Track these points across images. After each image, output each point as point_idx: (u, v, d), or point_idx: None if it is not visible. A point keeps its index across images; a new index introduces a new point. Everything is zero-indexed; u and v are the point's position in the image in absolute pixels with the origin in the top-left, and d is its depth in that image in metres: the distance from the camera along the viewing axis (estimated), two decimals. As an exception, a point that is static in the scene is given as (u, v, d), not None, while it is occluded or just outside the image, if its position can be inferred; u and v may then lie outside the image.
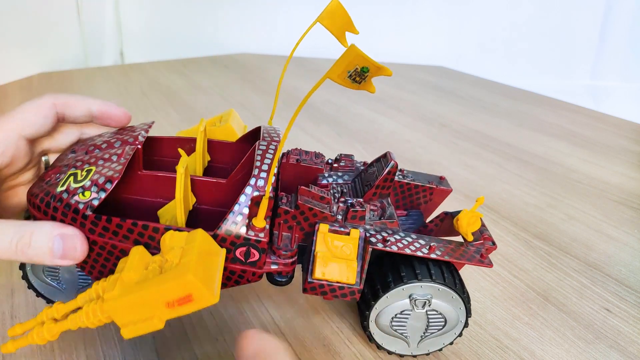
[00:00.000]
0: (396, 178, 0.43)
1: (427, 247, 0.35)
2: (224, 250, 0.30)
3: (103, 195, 0.30)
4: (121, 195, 0.37)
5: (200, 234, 0.29)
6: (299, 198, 0.34)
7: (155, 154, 0.41)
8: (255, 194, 0.32)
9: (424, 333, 0.37)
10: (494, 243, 0.37)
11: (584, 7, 1.33)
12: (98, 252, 0.32)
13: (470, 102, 1.04)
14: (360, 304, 0.38)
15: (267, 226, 0.32)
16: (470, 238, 0.37)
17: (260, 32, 1.32)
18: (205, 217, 0.37)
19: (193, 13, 1.26)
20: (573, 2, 1.33)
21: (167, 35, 1.24)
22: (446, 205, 0.45)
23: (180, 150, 0.38)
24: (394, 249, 0.34)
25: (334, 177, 0.41)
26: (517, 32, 1.36)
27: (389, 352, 0.39)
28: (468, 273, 0.49)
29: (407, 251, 0.34)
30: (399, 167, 0.43)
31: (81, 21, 1.10)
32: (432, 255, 0.34)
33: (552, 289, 0.49)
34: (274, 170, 0.31)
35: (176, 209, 0.33)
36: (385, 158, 0.38)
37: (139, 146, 0.35)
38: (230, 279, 0.33)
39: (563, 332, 0.44)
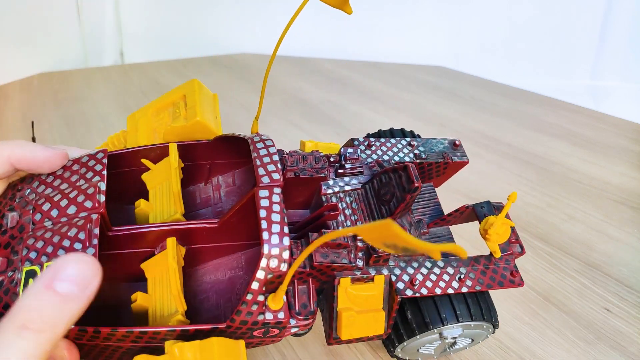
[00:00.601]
0: (407, 159, 0.38)
1: (458, 279, 0.32)
2: (242, 343, 0.27)
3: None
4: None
5: (215, 345, 0.26)
6: (314, 256, 0.30)
7: (116, 167, 0.35)
8: (270, 276, 0.27)
9: (449, 348, 0.37)
10: (522, 248, 0.35)
11: (584, 7, 1.33)
12: (89, 349, 0.28)
13: (470, 102, 1.04)
14: (385, 340, 0.36)
15: (285, 299, 0.29)
16: (498, 255, 0.34)
17: (260, 32, 1.32)
18: (198, 254, 0.34)
19: (193, 13, 1.25)
20: (573, 2, 1.33)
21: (167, 35, 1.24)
22: (446, 206, 0.45)
23: (145, 161, 0.34)
24: (424, 292, 0.32)
25: (341, 184, 0.36)
26: (517, 32, 1.36)
27: None
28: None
29: (437, 291, 0.32)
30: (409, 138, 0.39)
31: (81, 21, 1.10)
32: (463, 289, 0.32)
33: (552, 289, 0.49)
34: (303, 257, 0.24)
35: (175, 302, 0.29)
36: (405, 174, 0.32)
37: (102, 210, 0.29)
38: (247, 347, 0.30)
39: (564, 332, 0.44)
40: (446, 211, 0.40)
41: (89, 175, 0.30)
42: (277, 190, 0.29)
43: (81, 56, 1.13)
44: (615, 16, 1.33)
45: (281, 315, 0.28)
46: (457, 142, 0.40)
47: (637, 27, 1.32)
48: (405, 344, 0.35)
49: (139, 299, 0.29)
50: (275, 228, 0.28)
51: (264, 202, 0.29)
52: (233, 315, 0.28)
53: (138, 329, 0.26)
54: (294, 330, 0.30)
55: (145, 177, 0.36)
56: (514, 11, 1.35)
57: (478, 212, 0.36)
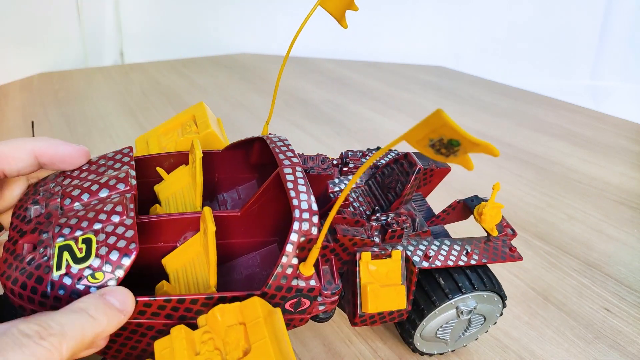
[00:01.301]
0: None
1: (465, 254, 0.35)
2: (279, 311, 0.27)
3: (121, 274, 0.25)
4: None
5: (258, 303, 0.25)
6: (337, 230, 0.32)
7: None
8: (302, 239, 0.28)
9: (463, 333, 0.38)
10: (513, 231, 0.38)
11: (584, 7, 1.33)
12: (116, 334, 0.26)
13: (470, 102, 1.04)
14: (404, 323, 0.37)
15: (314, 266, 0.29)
16: (495, 233, 0.37)
17: (260, 32, 1.32)
18: (220, 252, 0.33)
19: (193, 13, 1.25)
20: (573, 2, 1.33)
21: (167, 35, 1.24)
22: (444, 204, 0.45)
23: (160, 170, 0.35)
24: (438, 263, 0.34)
25: (346, 182, 0.39)
26: (517, 32, 1.36)
27: (430, 355, 0.40)
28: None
29: (450, 263, 0.34)
30: (396, 152, 0.42)
31: (81, 21, 1.10)
32: (472, 262, 0.35)
33: (552, 288, 0.49)
34: (331, 218, 0.26)
35: (209, 272, 0.28)
36: (407, 161, 0.36)
37: (134, 192, 0.29)
38: None
39: (563, 331, 0.44)
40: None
41: (117, 165, 0.31)
42: (299, 168, 0.31)
43: (81, 56, 1.14)
44: (615, 16, 1.33)
45: (313, 282, 0.29)
46: None
47: (637, 27, 1.32)
48: (424, 323, 0.36)
49: (165, 287, 0.29)
50: (304, 196, 0.29)
51: (290, 177, 0.30)
52: (269, 280, 0.27)
53: (176, 297, 0.25)
54: (321, 307, 0.31)
55: (157, 188, 0.36)
56: (514, 11, 1.35)
57: (469, 204, 0.39)
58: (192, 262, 0.31)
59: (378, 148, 0.48)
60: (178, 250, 0.31)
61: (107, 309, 0.23)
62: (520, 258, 0.36)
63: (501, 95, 1.10)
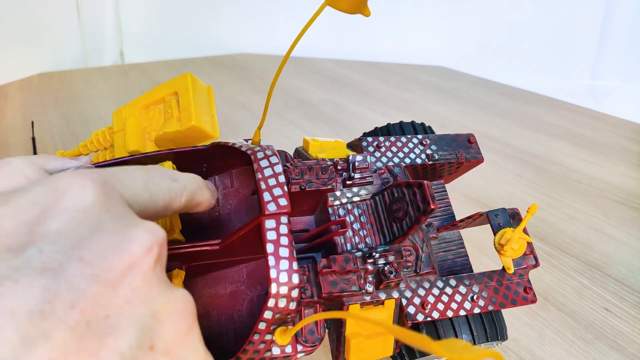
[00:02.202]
0: (419, 160, 0.36)
1: (470, 299, 0.31)
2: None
3: None
4: None
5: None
6: (322, 286, 0.28)
7: None
8: (278, 316, 0.26)
9: None
10: (536, 260, 0.33)
11: (584, 7, 1.33)
12: None
13: (470, 102, 1.04)
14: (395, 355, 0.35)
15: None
16: (511, 271, 0.32)
17: (260, 32, 1.32)
18: (198, 269, 0.32)
19: (193, 13, 1.25)
20: (573, 2, 1.33)
21: (167, 35, 1.24)
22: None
23: None
24: (435, 315, 0.31)
25: (349, 195, 0.33)
26: (517, 32, 1.36)
27: None
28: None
29: (449, 314, 0.31)
30: (421, 137, 0.37)
31: (81, 21, 1.10)
32: (475, 310, 0.31)
33: (552, 289, 0.49)
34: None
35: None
36: (420, 192, 0.29)
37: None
38: None
39: (563, 332, 0.44)
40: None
41: None
42: (284, 219, 0.27)
43: (81, 56, 1.13)
44: (615, 16, 1.33)
45: (289, 349, 0.28)
46: (471, 139, 0.38)
47: (637, 27, 1.32)
48: None
49: None
50: (284, 265, 0.26)
51: (271, 235, 0.26)
52: (239, 354, 0.27)
53: None
54: (300, 355, 0.29)
55: None
56: (514, 11, 1.35)
57: (492, 220, 0.33)
58: None
59: (388, 125, 0.41)
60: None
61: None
62: (534, 300, 0.32)
63: (501, 95, 1.10)
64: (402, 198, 0.31)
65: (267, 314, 0.26)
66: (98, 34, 1.15)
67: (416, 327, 0.32)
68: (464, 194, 0.65)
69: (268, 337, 0.26)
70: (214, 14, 1.27)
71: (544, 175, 0.73)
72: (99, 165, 0.31)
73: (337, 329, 0.31)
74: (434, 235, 0.35)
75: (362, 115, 0.93)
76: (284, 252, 0.26)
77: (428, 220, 0.36)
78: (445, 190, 0.38)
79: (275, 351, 0.27)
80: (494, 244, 0.32)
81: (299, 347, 0.29)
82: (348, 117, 0.91)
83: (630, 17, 1.32)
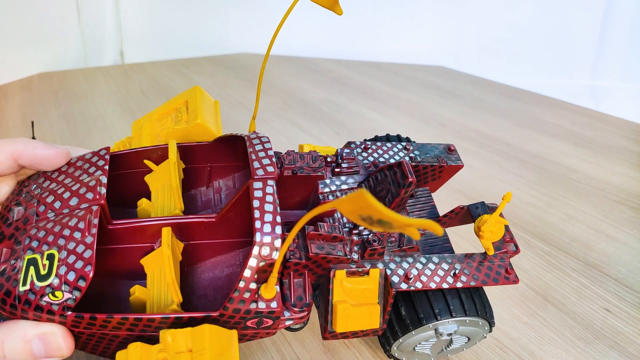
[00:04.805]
0: (399, 157, 0.39)
1: (452, 275, 0.33)
2: (234, 333, 0.27)
3: (78, 294, 0.26)
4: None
5: (208, 333, 0.26)
6: (309, 247, 0.30)
7: (119, 168, 0.36)
8: (262, 264, 0.28)
9: (446, 348, 0.37)
10: (516, 247, 0.35)
11: (584, 7, 1.33)
12: (87, 338, 0.28)
13: (470, 102, 1.04)
14: (381, 338, 0.36)
15: (278, 288, 0.29)
16: (492, 252, 0.34)
17: (260, 32, 1.32)
18: (197, 251, 0.34)
19: (193, 13, 1.25)
20: (573, 2, 1.33)
21: (167, 35, 1.24)
22: (446, 206, 0.45)
23: (148, 162, 0.35)
24: (419, 285, 0.32)
25: (337, 183, 0.36)
26: (517, 32, 1.36)
27: None
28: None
29: (432, 285, 0.32)
30: (405, 142, 0.40)
31: (81, 21, 1.10)
32: (458, 284, 0.32)
33: (551, 288, 0.49)
34: (292, 237, 0.24)
35: (169, 291, 0.29)
36: (400, 170, 0.33)
37: (103, 202, 0.29)
38: (242, 339, 0.31)
39: (562, 332, 0.44)
40: (444, 212, 0.40)
41: (92, 170, 0.31)
42: (271, 182, 0.30)
43: (81, 56, 1.13)
44: (615, 16, 1.33)
45: (274, 304, 0.28)
46: (451, 147, 0.41)
47: (637, 27, 1.32)
48: (400, 341, 0.35)
49: (137, 292, 0.30)
50: (268, 217, 0.28)
51: (258, 193, 0.29)
52: (226, 303, 0.28)
53: (133, 316, 0.27)
54: (288, 322, 0.30)
55: (147, 178, 0.36)
56: (514, 11, 1.35)
57: (473, 212, 0.36)
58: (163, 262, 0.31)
59: (376, 137, 0.46)
60: (154, 253, 0.32)
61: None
62: (515, 281, 0.34)
63: (501, 95, 1.10)
64: (385, 179, 0.34)
65: (252, 262, 0.27)
66: (98, 34, 1.15)
67: (396, 304, 0.34)
68: (464, 194, 0.65)
69: (253, 285, 0.28)
70: (214, 14, 1.27)
71: (544, 175, 0.73)
72: (114, 154, 0.34)
73: (324, 298, 0.32)
74: (421, 232, 0.36)
75: (362, 115, 0.93)
76: (269, 207, 0.29)
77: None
78: (431, 195, 0.41)
79: (261, 305, 0.28)
80: (474, 229, 0.34)
81: (287, 314, 0.30)
82: (348, 117, 0.91)
83: (630, 17, 1.32)
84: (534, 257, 0.54)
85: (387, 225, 0.19)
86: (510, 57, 1.38)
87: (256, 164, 0.31)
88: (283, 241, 0.28)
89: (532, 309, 0.46)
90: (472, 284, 0.33)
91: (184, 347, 0.25)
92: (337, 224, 0.32)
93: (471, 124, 0.91)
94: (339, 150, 0.37)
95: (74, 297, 0.26)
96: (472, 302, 0.33)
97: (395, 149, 0.40)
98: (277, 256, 0.27)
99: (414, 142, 0.43)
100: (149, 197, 0.36)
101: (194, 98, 0.39)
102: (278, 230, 0.28)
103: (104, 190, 0.30)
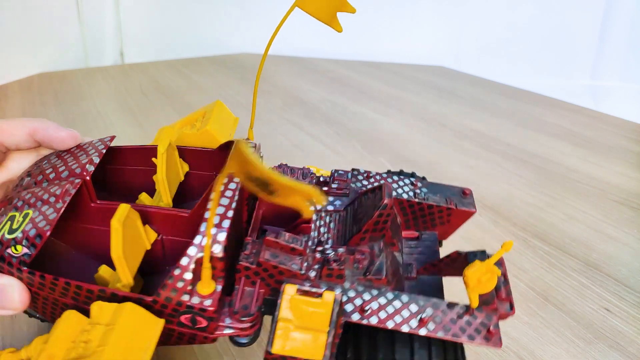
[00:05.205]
0: (405, 196, 0.36)
1: (418, 319, 0.28)
2: (161, 322, 0.26)
3: (33, 251, 0.28)
4: (76, 223, 0.34)
5: (127, 311, 0.26)
6: (262, 253, 0.28)
7: (118, 162, 0.38)
8: (200, 255, 0.27)
9: None
10: (512, 307, 0.29)
11: (584, 7, 1.33)
12: (43, 301, 0.30)
13: (470, 102, 1.04)
14: None
15: (219, 288, 0.27)
16: (475, 304, 0.28)
17: (260, 32, 1.32)
18: (171, 248, 0.34)
19: (193, 13, 1.25)
20: (573, 2, 1.33)
21: (167, 35, 1.24)
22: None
23: (155, 160, 0.35)
24: (373, 321, 0.28)
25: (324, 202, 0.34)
26: (517, 32, 1.36)
27: None
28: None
29: (390, 324, 0.28)
30: (414, 179, 0.37)
31: (81, 21, 1.10)
32: (421, 331, 0.27)
33: (551, 288, 0.49)
34: (210, 224, 0.24)
35: (117, 269, 0.29)
36: (380, 192, 0.30)
37: (87, 178, 0.32)
38: (182, 339, 0.30)
39: (562, 331, 0.44)
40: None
41: (91, 151, 0.34)
42: (236, 180, 0.30)
43: (81, 56, 1.13)
44: (615, 16, 1.33)
45: (208, 302, 0.27)
46: (466, 191, 0.37)
47: (637, 27, 1.32)
48: None
49: (101, 271, 0.31)
50: (220, 210, 0.28)
51: (220, 187, 0.29)
52: (159, 289, 0.27)
53: (75, 283, 0.28)
54: (228, 331, 0.28)
55: (155, 177, 0.37)
56: (514, 11, 1.35)
57: (470, 260, 0.31)
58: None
59: (388, 172, 0.41)
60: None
61: None
62: (497, 345, 0.28)
63: (501, 95, 1.10)
64: (366, 202, 0.31)
65: (191, 250, 0.27)
66: (98, 34, 1.15)
67: (374, 331, 0.30)
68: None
69: (188, 276, 0.27)
70: (214, 14, 1.27)
71: (544, 175, 0.73)
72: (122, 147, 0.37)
73: (273, 314, 0.29)
74: (412, 275, 0.33)
75: (362, 115, 0.93)
76: (225, 201, 0.29)
77: (409, 261, 0.35)
78: (437, 241, 0.37)
79: (195, 300, 0.27)
80: (462, 276, 0.28)
81: (228, 320, 0.28)
82: (348, 117, 0.91)
83: (630, 17, 1.32)
84: (534, 257, 0.54)
85: (268, 189, 0.18)
86: (510, 57, 1.38)
87: (232, 162, 0.31)
88: (228, 237, 0.27)
89: (532, 309, 0.46)
90: (440, 334, 0.28)
91: (105, 320, 0.26)
92: (305, 238, 0.30)
93: (471, 124, 0.91)
94: (332, 171, 0.36)
95: (30, 253, 0.28)
96: (443, 353, 0.29)
97: (401, 182, 0.37)
98: (218, 250, 0.27)
99: (424, 180, 0.40)
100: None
101: (211, 110, 0.41)
102: (225, 224, 0.27)
103: (92, 168, 0.33)
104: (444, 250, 0.44)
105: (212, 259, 0.27)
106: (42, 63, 1.07)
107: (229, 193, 0.29)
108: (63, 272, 0.29)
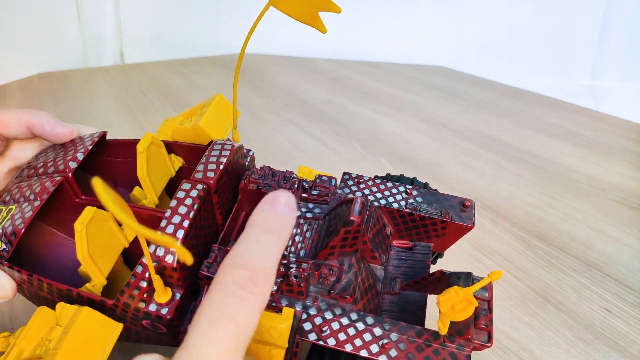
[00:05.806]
0: (395, 205, 0.34)
1: (380, 344, 0.26)
2: (119, 326, 0.26)
3: (10, 247, 0.29)
4: (65, 216, 0.35)
5: (82, 316, 0.26)
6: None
7: (117, 155, 0.39)
8: (154, 264, 0.26)
9: None
10: (489, 338, 0.26)
11: (584, 7, 1.33)
12: (29, 293, 0.31)
13: (470, 102, 1.04)
14: None
15: (178, 295, 0.27)
16: (443, 331, 0.25)
17: (260, 32, 1.32)
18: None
19: (193, 13, 1.25)
20: (573, 2, 1.33)
21: (167, 35, 1.24)
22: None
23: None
24: (330, 342, 0.26)
25: (303, 209, 0.33)
26: (517, 32, 1.36)
27: None
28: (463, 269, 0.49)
29: (348, 348, 0.26)
30: (410, 187, 0.35)
31: (81, 21, 1.10)
32: (381, 358, 0.26)
33: (551, 288, 0.49)
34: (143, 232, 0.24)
35: (86, 269, 0.29)
36: (350, 205, 0.29)
37: (69, 175, 0.32)
38: (150, 341, 0.30)
39: (562, 332, 0.44)
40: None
41: (80, 147, 0.35)
42: (200, 187, 0.29)
43: (81, 56, 1.14)
44: (615, 16, 1.33)
45: (164, 310, 0.27)
46: (466, 203, 0.34)
47: (637, 27, 1.32)
48: None
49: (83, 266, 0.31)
50: (176, 219, 0.28)
51: (180, 194, 0.29)
52: (118, 294, 0.27)
53: (46, 281, 0.28)
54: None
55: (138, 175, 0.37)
56: (514, 11, 1.35)
57: (452, 282, 0.29)
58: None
59: (387, 176, 0.40)
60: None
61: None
62: None
63: (501, 95, 1.09)
64: (341, 214, 0.30)
65: (145, 259, 0.26)
66: (98, 34, 1.15)
67: (337, 354, 0.28)
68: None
69: (143, 284, 0.27)
70: (214, 14, 1.27)
71: (543, 175, 0.73)
72: (118, 140, 0.38)
73: None
74: (394, 290, 0.32)
75: (362, 115, 0.93)
76: (182, 210, 0.28)
77: (395, 275, 0.33)
78: (429, 255, 0.35)
79: (152, 307, 0.27)
80: (437, 301, 0.26)
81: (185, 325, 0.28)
82: (348, 117, 0.91)
83: (630, 17, 1.32)
84: (534, 257, 0.54)
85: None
86: (510, 57, 1.38)
87: (200, 167, 0.31)
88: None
89: (532, 309, 0.46)
90: None
91: (64, 322, 0.26)
92: (291, 256, 0.29)
93: (471, 124, 0.91)
94: (316, 177, 0.34)
95: (7, 250, 0.29)
96: None
97: (394, 190, 0.35)
98: (170, 260, 0.26)
99: (427, 185, 0.38)
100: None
101: (209, 104, 0.40)
102: (179, 234, 0.27)
103: (74, 165, 0.33)
104: (444, 260, 0.44)
105: (166, 268, 0.27)
106: (42, 63, 1.07)
107: (188, 201, 0.28)
108: (55, 261, 0.30)
